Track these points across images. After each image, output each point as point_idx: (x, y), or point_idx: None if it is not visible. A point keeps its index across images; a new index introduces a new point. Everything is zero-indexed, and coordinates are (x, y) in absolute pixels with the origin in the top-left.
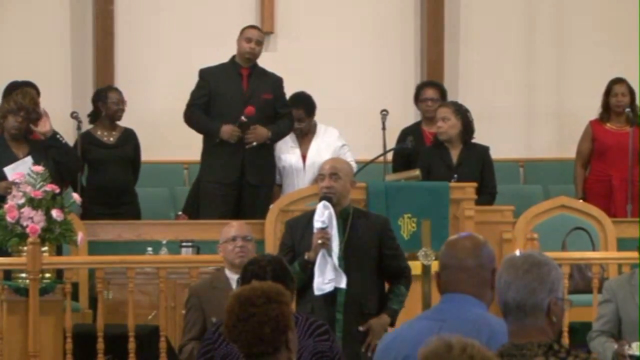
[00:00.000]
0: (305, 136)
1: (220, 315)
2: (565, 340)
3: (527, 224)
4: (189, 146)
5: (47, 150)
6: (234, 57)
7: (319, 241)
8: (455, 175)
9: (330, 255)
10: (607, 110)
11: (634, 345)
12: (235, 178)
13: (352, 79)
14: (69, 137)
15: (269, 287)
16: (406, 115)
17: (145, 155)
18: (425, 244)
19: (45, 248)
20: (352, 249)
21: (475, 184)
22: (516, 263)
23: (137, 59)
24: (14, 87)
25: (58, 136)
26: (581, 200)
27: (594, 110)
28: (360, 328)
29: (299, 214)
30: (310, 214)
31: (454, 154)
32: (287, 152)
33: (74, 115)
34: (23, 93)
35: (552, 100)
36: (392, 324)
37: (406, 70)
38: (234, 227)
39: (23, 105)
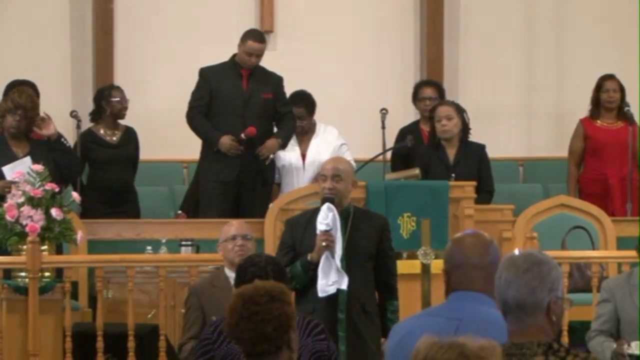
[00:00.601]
0: (305, 135)
1: (220, 314)
2: (565, 340)
3: (527, 223)
4: (188, 145)
5: (49, 150)
6: (234, 55)
7: (323, 244)
8: (453, 175)
9: (333, 257)
10: (597, 106)
11: (633, 344)
12: (235, 177)
13: (352, 79)
14: (69, 136)
15: (272, 286)
16: (406, 114)
17: (145, 155)
18: (424, 243)
19: (45, 247)
20: (353, 248)
21: (474, 183)
22: (516, 262)
23: (137, 59)
24: (14, 87)
25: (63, 139)
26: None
27: None
28: None
29: (299, 212)
30: (311, 213)
31: (451, 153)
32: (287, 150)
33: (74, 114)
34: (20, 92)
35: (552, 100)
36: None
37: (406, 70)
38: (233, 226)
39: (20, 103)
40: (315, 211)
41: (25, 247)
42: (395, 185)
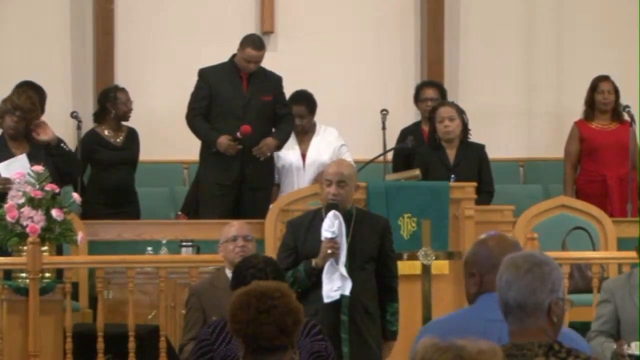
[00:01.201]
0: (305, 135)
1: (221, 314)
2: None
3: (527, 223)
4: (189, 146)
5: (49, 155)
6: (234, 56)
7: (329, 251)
8: (453, 176)
9: (337, 263)
10: (592, 107)
11: (633, 344)
12: (234, 179)
13: (352, 79)
14: (69, 136)
15: (277, 284)
16: (406, 115)
17: (145, 155)
18: (425, 244)
19: (45, 248)
20: (355, 250)
21: (474, 184)
22: (517, 263)
23: (138, 59)
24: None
25: (62, 144)
26: None
27: None
28: None
29: (300, 213)
30: (312, 214)
31: (451, 153)
32: (287, 150)
33: (74, 115)
34: (19, 93)
35: (552, 100)
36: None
37: (406, 70)
38: (234, 227)
39: (18, 104)
40: (317, 212)
41: (25, 247)
42: (396, 186)
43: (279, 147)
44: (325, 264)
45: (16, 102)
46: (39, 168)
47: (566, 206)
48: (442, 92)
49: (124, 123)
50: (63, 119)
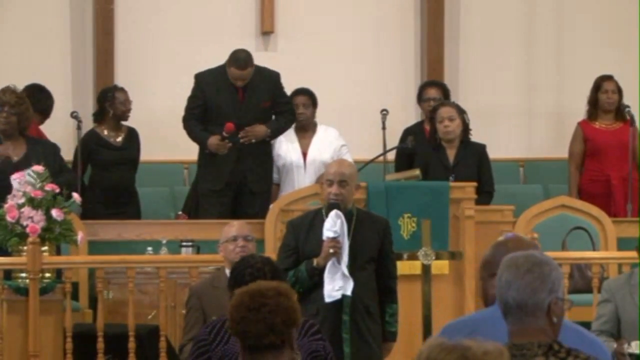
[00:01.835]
0: (305, 133)
1: (221, 314)
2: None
3: (527, 223)
4: (189, 146)
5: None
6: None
7: (331, 250)
8: (453, 175)
9: (339, 263)
10: (595, 107)
11: (634, 344)
12: (232, 184)
13: (352, 79)
14: (69, 137)
15: (277, 284)
16: (406, 114)
17: (145, 155)
18: (425, 244)
19: (45, 248)
20: (356, 250)
21: (474, 184)
22: (517, 262)
23: (137, 59)
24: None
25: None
26: None
27: None
28: None
29: (300, 213)
30: (313, 214)
31: (451, 153)
32: (287, 148)
33: (74, 115)
34: (4, 90)
35: (552, 100)
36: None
37: (406, 70)
38: (234, 227)
39: (5, 100)
40: (318, 212)
41: (25, 247)
42: (396, 186)
43: (271, 136)
44: (326, 263)
45: (2, 98)
46: (39, 168)
47: (566, 206)
48: (445, 92)
49: (123, 123)
50: (63, 119)
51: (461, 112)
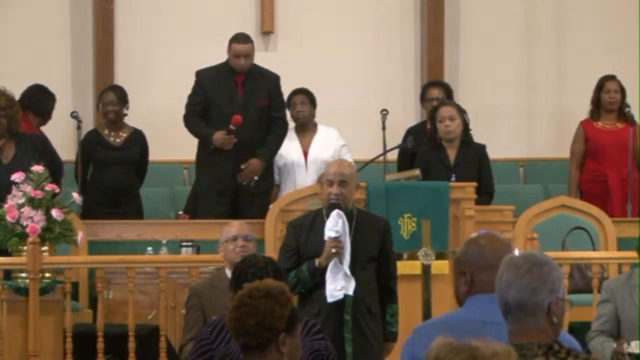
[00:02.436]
0: (306, 132)
1: (221, 314)
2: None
3: (527, 223)
4: (189, 146)
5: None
6: (229, 60)
7: (333, 250)
8: (453, 176)
9: (341, 263)
10: (598, 106)
11: (633, 343)
12: (231, 184)
13: (352, 79)
14: (69, 137)
15: (274, 285)
16: (406, 115)
17: None
18: (425, 244)
19: (45, 248)
20: (357, 250)
21: (474, 184)
22: (517, 262)
23: (137, 59)
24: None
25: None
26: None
27: None
28: None
29: (300, 213)
30: (313, 215)
31: (452, 153)
32: (288, 148)
33: (74, 115)
34: None
35: (552, 100)
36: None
37: (406, 70)
38: (234, 227)
39: None
40: (318, 212)
41: (25, 248)
42: (396, 186)
43: (268, 162)
44: (328, 263)
45: None
46: (39, 168)
47: (566, 206)
48: (448, 92)
49: (128, 123)
50: (63, 119)
51: (462, 112)
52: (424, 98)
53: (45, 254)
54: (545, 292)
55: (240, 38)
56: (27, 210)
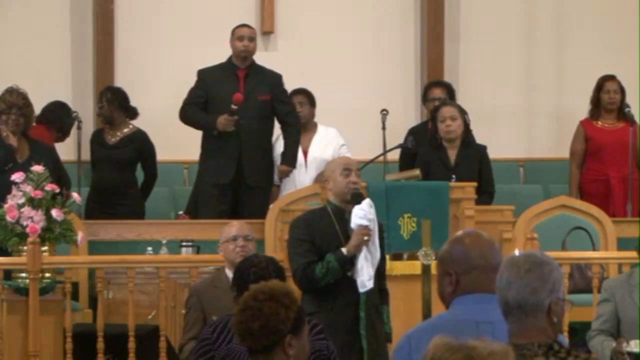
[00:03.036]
0: (306, 133)
1: (221, 314)
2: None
3: (527, 223)
4: (189, 146)
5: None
6: (230, 57)
7: (365, 238)
8: (454, 176)
9: (370, 252)
10: (597, 106)
11: (633, 342)
12: (232, 179)
13: (352, 79)
14: (70, 137)
15: (279, 287)
16: (406, 115)
17: None
18: (425, 244)
19: (45, 248)
20: None
21: (475, 184)
22: (517, 262)
23: (137, 59)
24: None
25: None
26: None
27: None
28: None
29: (300, 213)
30: (319, 211)
31: (452, 154)
32: None
33: (74, 115)
34: (10, 92)
35: (552, 100)
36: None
37: (406, 70)
38: (234, 227)
39: (13, 102)
40: (323, 210)
41: (25, 247)
42: (396, 186)
43: (294, 166)
44: (357, 252)
45: (10, 99)
46: (39, 168)
47: (566, 206)
48: (450, 92)
49: (131, 123)
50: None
51: (463, 112)
52: (425, 98)
53: (45, 254)
54: (546, 292)
55: (243, 24)
56: (27, 210)
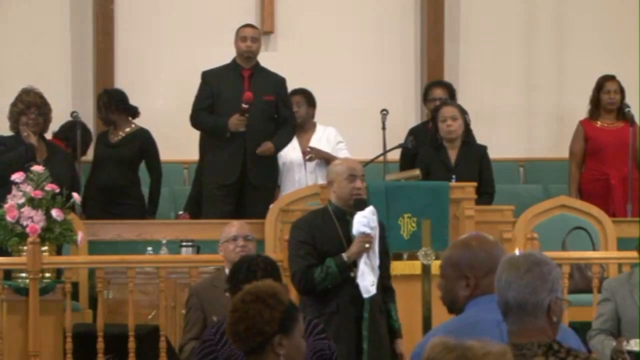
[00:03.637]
0: (305, 133)
1: (221, 314)
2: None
3: (527, 223)
4: (189, 146)
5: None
6: (234, 58)
7: (367, 245)
8: (454, 176)
9: (369, 259)
10: (597, 106)
11: (633, 341)
12: (237, 179)
13: (352, 79)
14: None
15: (266, 288)
16: (406, 115)
17: None
18: (425, 244)
19: (45, 248)
20: None
21: (475, 184)
22: (517, 262)
23: (137, 59)
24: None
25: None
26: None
27: None
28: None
29: (300, 213)
30: (321, 213)
31: (452, 154)
32: (287, 148)
33: (74, 115)
34: (26, 92)
35: (552, 100)
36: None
37: (406, 70)
38: (234, 227)
39: (30, 102)
40: (324, 211)
41: (25, 248)
42: (396, 186)
43: (277, 151)
44: (357, 258)
45: (27, 99)
46: (39, 168)
47: (566, 206)
48: (451, 92)
49: (135, 122)
50: (63, 119)
51: (463, 112)
52: (426, 98)
53: (45, 254)
54: (546, 291)
55: (247, 24)
56: (27, 210)
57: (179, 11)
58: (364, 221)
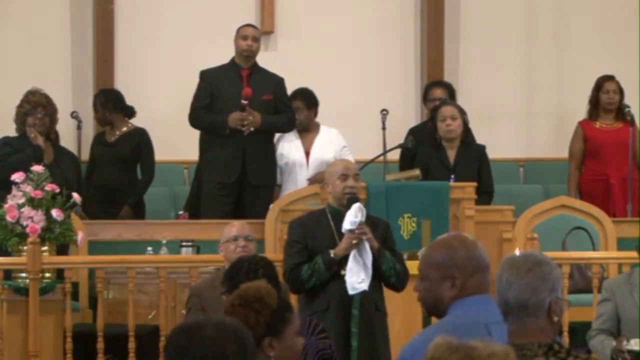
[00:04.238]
0: (308, 133)
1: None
2: (565, 340)
3: (527, 223)
4: (189, 146)
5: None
6: (233, 58)
7: (354, 241)
8: (453, 176)
9: (360, 255)
10: (596, 106)
11: (633, 341)
12: (236, 178)
13: (352, 79)
14: (70, 136)
15: (253, 291)
16: (406, 115)
17: None
18: (425, 244)
19: (45, 247)
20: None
21: (474, 184)
22: (517, 262)
23: (137, 59)
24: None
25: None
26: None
27: None
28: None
29: (300, 213)
30: (318, 213)
31: (452, 154)
32: (290, 147)
33: (74, 115)
34: (32, 93)
35: (552, 100)
36: (378, 251)
37: (406, 70)
38: (235, 227)
39: (37, 102)
40: (321, 212)
41: (25, 248)
42: (396, 186)
43: (263, 127)
44: (344, 255)
45: (33, 99)
46: (39, 168)
47: (566, 206)
48: (451, 92)
49: (132, 122)
50: (64, 119)
51: (462, 112)
52: (426, 98)
53: (45, 254)
54: (546, 291)
55: (248, 24)
56: (27, 210)
57: (179, 11)
58: (349, 218)
